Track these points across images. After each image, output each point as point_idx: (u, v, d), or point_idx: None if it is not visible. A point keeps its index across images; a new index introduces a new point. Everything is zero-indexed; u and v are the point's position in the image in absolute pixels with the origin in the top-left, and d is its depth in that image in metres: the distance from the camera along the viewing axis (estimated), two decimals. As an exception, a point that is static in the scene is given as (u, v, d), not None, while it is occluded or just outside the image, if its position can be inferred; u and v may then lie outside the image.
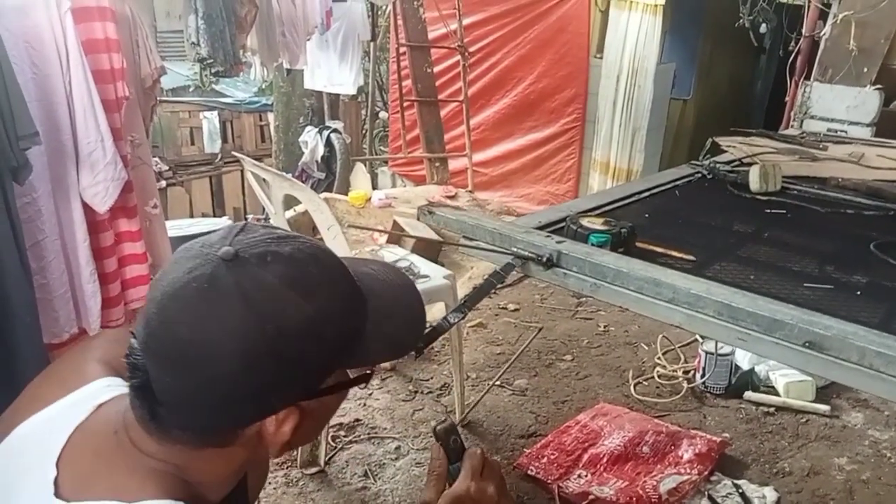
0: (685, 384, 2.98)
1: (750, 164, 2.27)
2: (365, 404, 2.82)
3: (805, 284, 1.44)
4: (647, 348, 3.33)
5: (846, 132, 3.39)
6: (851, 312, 1.28)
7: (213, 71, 3.70)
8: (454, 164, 5.56)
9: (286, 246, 0.68)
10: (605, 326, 3.56)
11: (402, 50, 5.39)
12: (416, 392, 2.93)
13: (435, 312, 3.15)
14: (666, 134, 5.64)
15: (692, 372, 3.04)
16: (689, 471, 2.36)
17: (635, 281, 1.35)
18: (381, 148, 7.19)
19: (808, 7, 4.06)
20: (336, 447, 2.55)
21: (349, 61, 5.82)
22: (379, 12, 6.18)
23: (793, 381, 2.86)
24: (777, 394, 2.89)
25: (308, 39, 4.49)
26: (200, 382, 0.65)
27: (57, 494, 0.68)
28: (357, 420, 2.71)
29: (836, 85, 3.59)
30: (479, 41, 5.58)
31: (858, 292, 1.42)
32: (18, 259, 1.75)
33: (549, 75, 5.47)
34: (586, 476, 2.36)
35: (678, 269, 1.43)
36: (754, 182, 2.10)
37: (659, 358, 3.20)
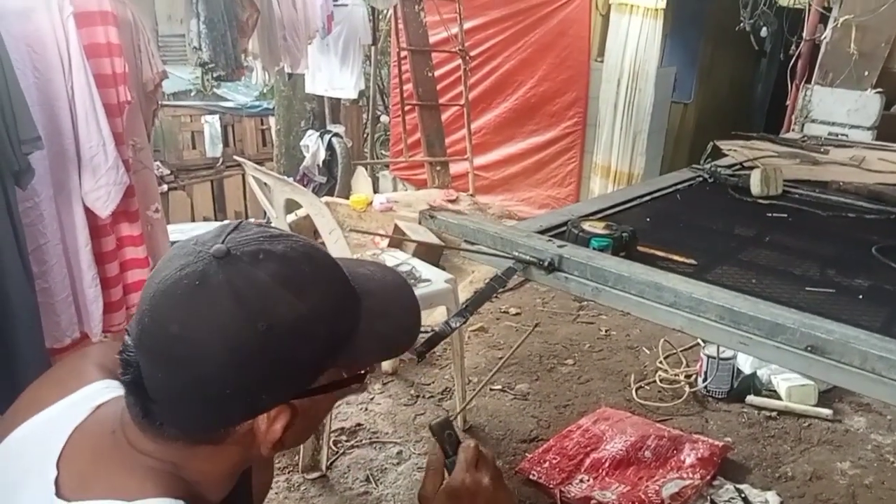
0: (687, 388, 2.97)
1: (751, 168, 2.27)
2: (366, 409, 2.82)
3: (806, 288, 1.44)
4: (648, 352, 3.33)
5: (847, 136, 3.39)
6: (853, 316, 1.28)
7: (214, 75, 3.71)
8: (455, 168, 5.57)
9: (279, 244, 0.68)
10: (606, 330, 3.56)
11: (403, 54, 5.40)
12: (417, 396, 2.92)
13: (436, 316, 3.15)
14: (667, 137, 5.65)
15: (694, 376, 3.04)
16: (691, 475, 2.36)
17: (637, 285, 1.35)
18: (383, 152, 7.20)
19: (809, 11, 4.07)
20: (338, 452, 2.54)
21: (350, 65, 5.83)
22: (380, 16, 6.19)
23: (795, 385, 2.85)
24: (779, 398, 2.89)
25: (309, 43, 4.50)
26: (192, 379, 0.65)
27: (58, 494, 0.69)
28: (358, 424, 2.71)
29: (836, 88, 3.60)
30: (480, 45, 5.59)
31: (860, 296, 1.42)
32: (20, 263, 1.76)
33: (550, 79, 5.48)
34: (588, 481, 2.36)
35: (679, 272, 1.43)
36: (755, 186, 2.10)
37: (661, 362, 3.19)
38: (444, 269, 3.21)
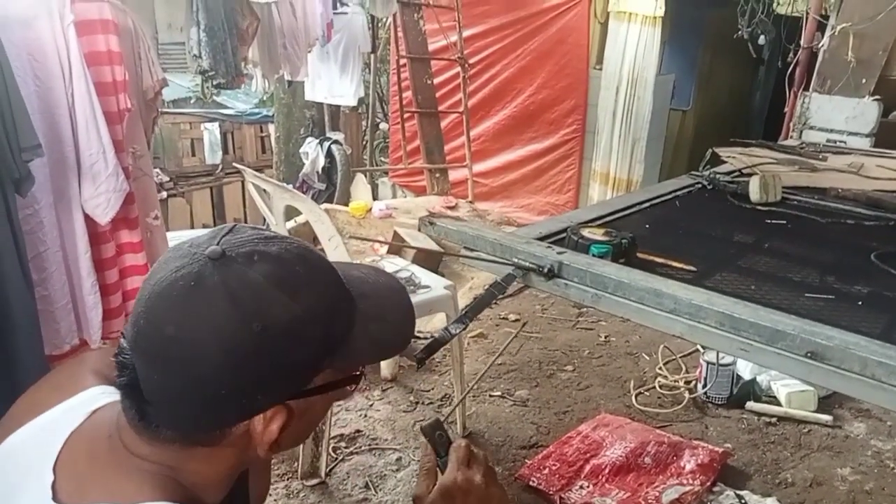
0: (687, 394, 2.97)
1: (750, 175, 2.27)
2: (366, 415, 2.82)
3: (806, 295, 1.44)
4: (648, 359, 3.33)
5: (845, 143, 3.40)
6: (853, 323, 1.28)
7: (214, 83, 3.72)
8: (454, 175, 5.58)
9: (273, 246, 0.69)
10: (605, 337, 3.56)
11: (402, 62, 5.42)
12: (417, 403, 2.92)
13: (436, 323, 3.15)
14: (665, 144, 5.66)
15: (694, 382, 3.04)
16: (691, 481, 2.35)
17: (636, 291, 1.35)
18: (382, 159, 7.21)
19: (807, 19, 4.08)
20: (337, 458, 2.54)
21: (350, 73, 5.84)
22: (379, 24, 6.21)
23: (794, 391, 2.85)
24: (779, 404, 2.89)
25: (309, 51, 4.51)
26: (187, 380, 0.65)
27: (55, 499, 0.69)
28: (358, 431, 2.71)
29: (834, 96, 3.60)
30: (479, 53, 5.61)
31: (860, 302, 1.42)
32: (20, 270, 1.76)
33: (549, 86, 5.49)
34: (588, 487, 2.35)
35: (679, 279, 1.43)
36: (754, 192, 2.10)
37: (660, 368, 3.19)
38: (443, 275, 3.21)
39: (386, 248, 3.98)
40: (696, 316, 1.28)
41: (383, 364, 3.06)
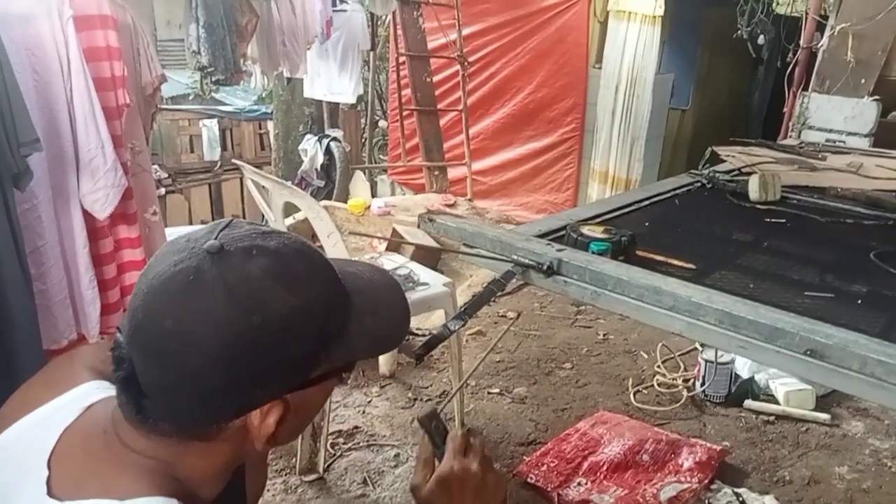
0: (685, 392, 2.97)
1: (749, 174, 2.27)
2: (364, 411, 2.82)
3: (806, 293, 1.44)
4: (646, 356, 3.33)
5: (844, 142, 3.40)
6: (852, 321, 1.28)
7: (213, 79, 3.71)
8: (453, 173, 5.57)
9: (271, 241, 0.69)
10: (604, 335, 3.56)
11: (401, 59, 5.41)
12: (415, 399, 2.92)
13: (434, 320, 3.15)
14: (664, 144, 5.66)
15: (692, 380, 3.04)
16: (689, 479, 2.36)
17: (636, 289, 1.35)
18: (381, 156, 7.20)
19: (806, 19, 4.08)
20: (335, 454, 2.54)
21: (349, 70, 5.84)
22: (379, 22, 6.21)
23: (792, 389, 2.85)
24: (777, 402, 2.89)
25: (308, 48, 4.51)
26: (186, 373, 0.65)
27: (50, 494, 0.68)
28: (356, 427, 2.71)
29: (833, 96, 3.61)
30: (479, 51, 5.60)
31: (859, 301, 1.43)
32: (18, 265, 1.75)
33: (548, 85, 5.49)
34: (586, 484, 2.35)
35: (678, 277, 1.43)
36: (754, 191, 2.10)
37: (658, 366, 3.19)
38: (442, 272, 3.21)
39: (385, 245, 3.98)
40: (695, 313, 1.28)
41: (382, 360, 3.06)
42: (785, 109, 4.10)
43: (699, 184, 2.31)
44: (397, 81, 5.68)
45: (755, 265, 1.68)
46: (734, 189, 2.21)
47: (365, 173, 6.52)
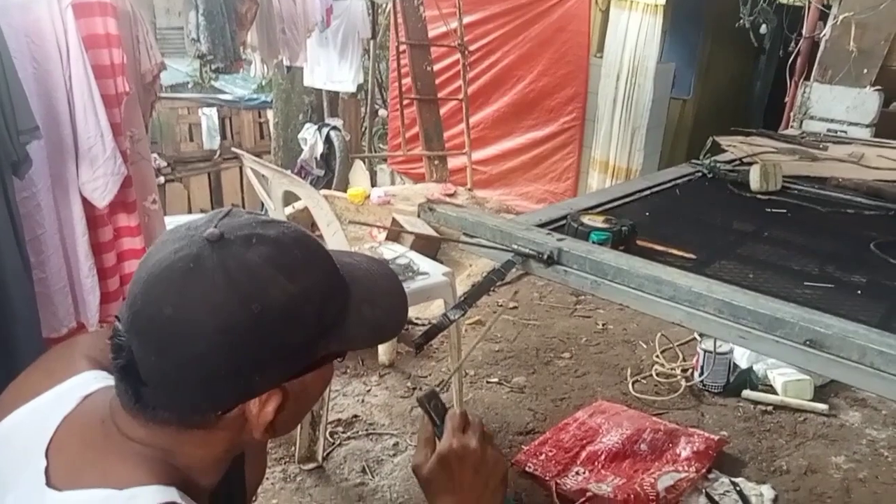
0: (683, 382, 2.98)
1: (750, 164, 2.27)
2: (363, 400, 2.83)
3: (805, 283, 1.45)
4: (645, 346, 3.34)
5: (846, 133, 3.39)
6: (852, 311, 1.28)
7: (213, 67, 3.71)
8: (453, 162, 5.56)
9: (271, 229, 0.70)
10: (603, 324, 3.57)
11: (402, 48, 5.38)
12: (414, 388, 2.93)
13: (434, 309, 3.16)
14: (665, 133, 5.64)
15: (690, 370, 3.05)
16: (686, 468, 2.37)
17: (636, 278, 1.35)
18: (381, 145, 7.19)
19: (809, 8, 4.06)
20: (334, 443, 2.55)
21: (349, 59, 5.82)
22: (379, 10, 6.18)
23: (791, 379, 2.86)
24: (775, 392, 2.90)
25: (308, 37, 4.49)
26: (185, 361, 0.65)
27: (48, 484, 0.68)
28: (355, 416, 2.71)
29: (835, 86, 3.59)
30: (479, 40, 5.58)
31: (859, 291, 1.43)
32: (18, 253, 1.75)
33: (549, 74, 5.47)
34: (584, 473, 2.36)
35: (678, 267, 1.43)
36: (755, 181, 2.10)
37: (657, 356, 3.20)
38: (441, 262, 3.21)
39: (384, 234, 3.98)
40: (695, 303, 1.28)
41: (381, 350, 3.06)
42: (786, 99, 4.09)
43: (700, 173, 2.30)
44: (397, 70, 5.66)
45: (755, 255, 1.68)
46: (735, 179, 2.20)
47: (365, 162, 6.50)
